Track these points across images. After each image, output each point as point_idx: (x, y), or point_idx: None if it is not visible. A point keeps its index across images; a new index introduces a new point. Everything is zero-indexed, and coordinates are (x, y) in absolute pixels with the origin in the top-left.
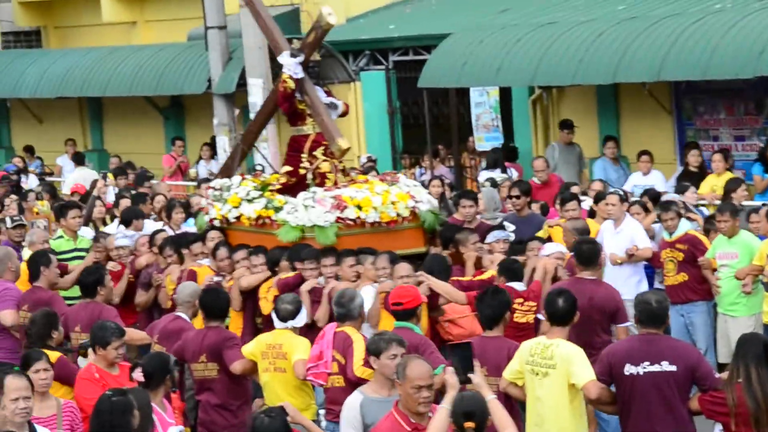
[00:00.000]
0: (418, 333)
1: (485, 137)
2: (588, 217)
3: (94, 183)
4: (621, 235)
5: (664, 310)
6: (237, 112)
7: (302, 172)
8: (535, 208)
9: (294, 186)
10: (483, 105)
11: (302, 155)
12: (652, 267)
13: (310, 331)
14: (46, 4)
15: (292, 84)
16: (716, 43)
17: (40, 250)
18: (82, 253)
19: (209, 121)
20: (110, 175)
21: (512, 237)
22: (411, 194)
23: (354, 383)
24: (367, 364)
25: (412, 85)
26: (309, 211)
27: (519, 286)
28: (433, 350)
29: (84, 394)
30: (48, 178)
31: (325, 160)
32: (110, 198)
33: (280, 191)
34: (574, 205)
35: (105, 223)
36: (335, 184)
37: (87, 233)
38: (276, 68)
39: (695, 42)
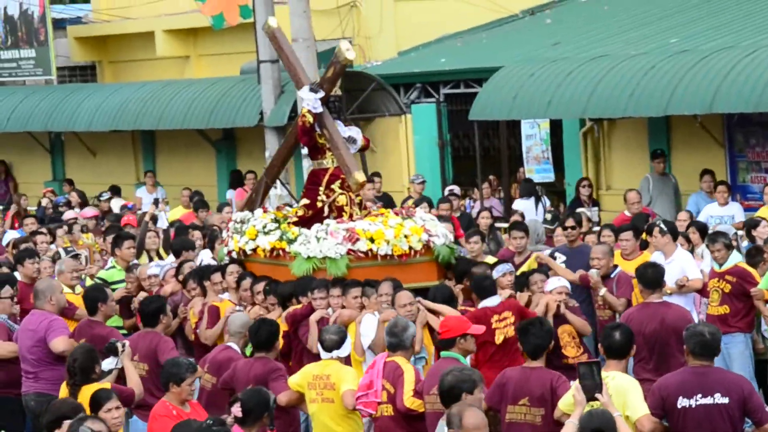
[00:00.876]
0: (464, 363)
1: (536, 169)
2: (640, 248)
3: (143, 215)
4: (671, 266)
5: (717, 342)
6: None
7: (319, 204)
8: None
9: (311, 218)
10: (534, 137)
11: (320, 188)
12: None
13: (317, 360)
14: (101, 40)
15: (311, 118)
16: None
17: (97, 285)
18: None
19: (261, 153)
20: (184, 208)
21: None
22: (426, 228)
23: (403, 413)
24: (416, 394)
25: (463, 117)
26: (321, 243)
27: (491, 301)
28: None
29: (165, 431)
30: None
31: (341, 193)
32: (162, 224)
33: (297, 224)
34: (628, 235)
35: (159, 255)
36: (350, 217)
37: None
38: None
39: (748, 75)
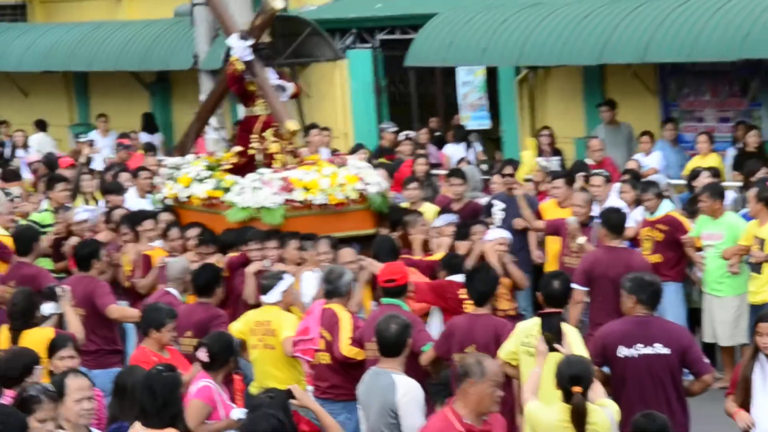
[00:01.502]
0: (407, 310)
1: (472, 116)
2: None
3: (77, 153)
4: None
5: (661, 291)
6: None
7: (252, 152)
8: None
9: (244, 166)
10: (470, 84)
11: (252, 136)
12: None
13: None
14: None
15: (240, 66)
16: (702, 25)
17: (29, 226)
18: None
19: (195, 97)
20: (128, 153)
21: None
22: (360, 176)
23: (340, 361)
24: (355, 342)
25: (399, 63)
26: (256, 193)
27: (459, 278)
28: (421, 327)
29: None
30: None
31: (274, 141)
32: (98, 165)
33: (230, 171)
34: (559, 183)
35: (95, 198)
36: (283, 165)
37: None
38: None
39: (681, 24)
